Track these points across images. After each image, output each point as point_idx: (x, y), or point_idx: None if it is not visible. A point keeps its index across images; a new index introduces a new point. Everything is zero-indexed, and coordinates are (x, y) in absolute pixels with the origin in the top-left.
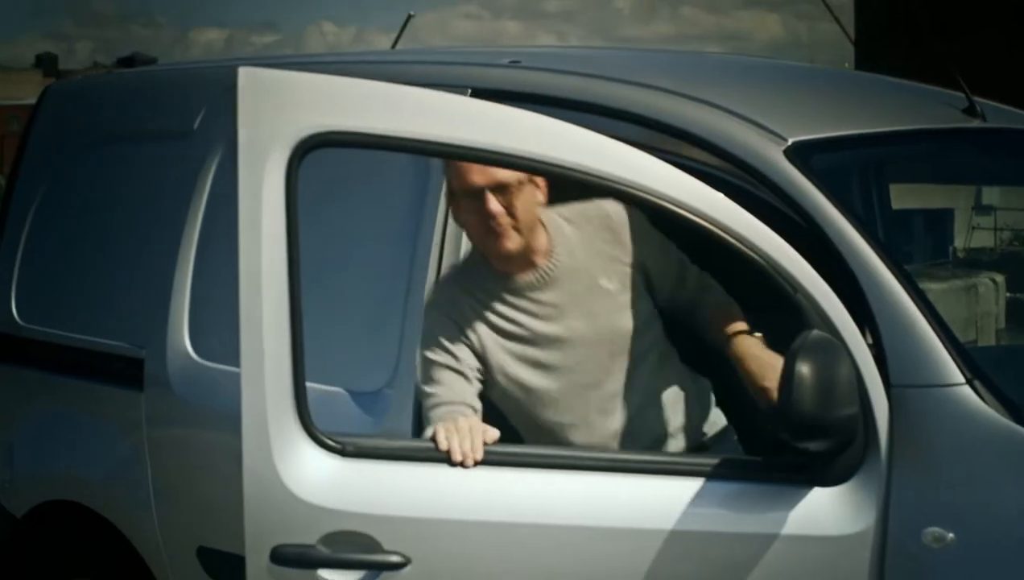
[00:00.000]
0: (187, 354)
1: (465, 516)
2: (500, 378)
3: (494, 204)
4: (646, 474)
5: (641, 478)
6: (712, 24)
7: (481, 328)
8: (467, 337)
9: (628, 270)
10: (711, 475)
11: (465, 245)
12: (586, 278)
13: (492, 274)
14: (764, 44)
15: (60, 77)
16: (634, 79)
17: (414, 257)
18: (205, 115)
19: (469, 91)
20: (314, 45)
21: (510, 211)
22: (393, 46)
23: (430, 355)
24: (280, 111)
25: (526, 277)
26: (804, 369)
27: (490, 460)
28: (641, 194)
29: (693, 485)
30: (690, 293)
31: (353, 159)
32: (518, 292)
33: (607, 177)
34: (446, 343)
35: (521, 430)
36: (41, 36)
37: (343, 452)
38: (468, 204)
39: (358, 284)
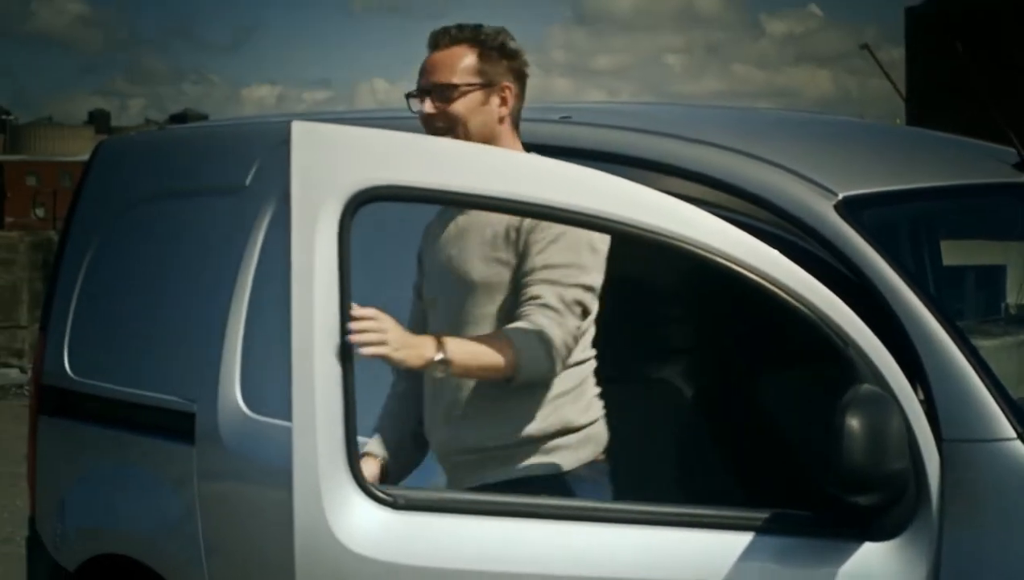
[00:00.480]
0: (238, 408)
1: (516, 569)
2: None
3: (429, 105)
4: (698, 528)
5: (693, 532)
6: (762, 80)
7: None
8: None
9: (492, 273)
10: (762, 529)
11: None
12: (467, 246)
13: None
14: (814, 100)
15: (112, 133)
16: (685, 134)
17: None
18: (257, 170)
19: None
20: (366, 101)
21: (445, 117)
22: None
23: None
24: (333, 165)
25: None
26: (854, 422)
27: (541, 513)
28: (699, 250)
29: (743, 539)
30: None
31: (398, 212)
32: (442, 218)
33: (660, 232)
34: None
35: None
36: (93, 93)
37: (394, 505)
38: (414, 104)
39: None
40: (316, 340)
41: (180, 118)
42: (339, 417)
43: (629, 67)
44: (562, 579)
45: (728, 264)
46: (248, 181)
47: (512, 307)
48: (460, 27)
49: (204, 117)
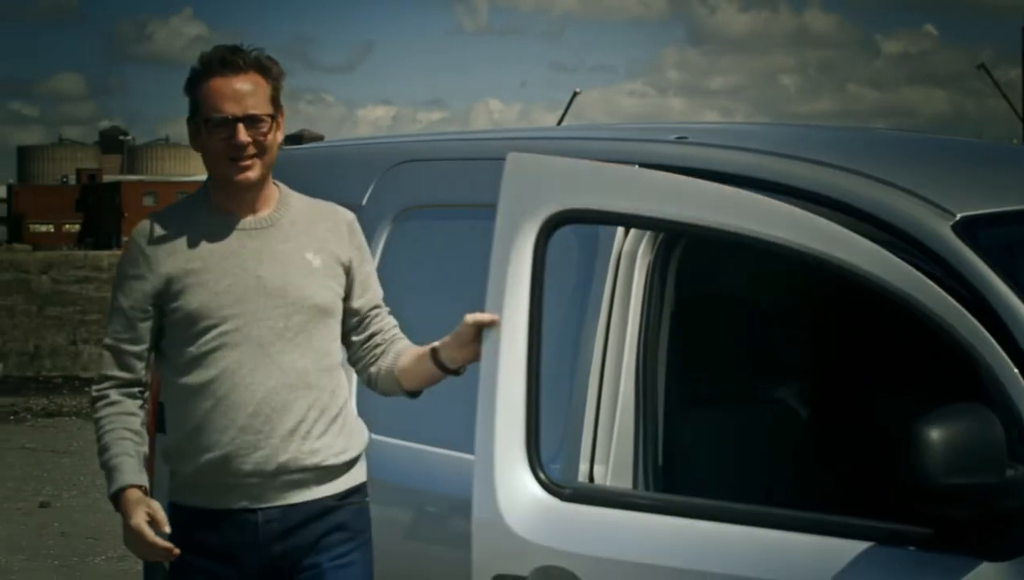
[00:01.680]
0: None
1: (660, 562)
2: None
3: (243, 134)
4: (821, 534)
5: (823, 539)
6: (877, 100)
7: (190, 259)
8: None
9: (338, 263)
10: (880, 538)
11: (635, 311)
12: (297, 242)
13: (212, 210)
14: (930, 120)
15: None
16: (800, 154)
17: (580, 332)
18: (374, 190)
19: (636, 167)
20: (480, 122)
21: (257, 144)
22: (559, 123)
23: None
24: (534, 191)
25: (244, 217)
26: (935, 434)
27: (690, 511)
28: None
29: (855, 547)
30: (363, 306)
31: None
32: (233, 228)
33: (829, 257)
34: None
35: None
36: None
37: (562, 495)
38: (216, 130)
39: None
40: (504, 347)
41: (296, 139)
42: (521, 414)
43: (743, 87)
44: (696, 574)
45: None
46: (364, 201)
47: None
48: (241, 50)
49: (320, 137)
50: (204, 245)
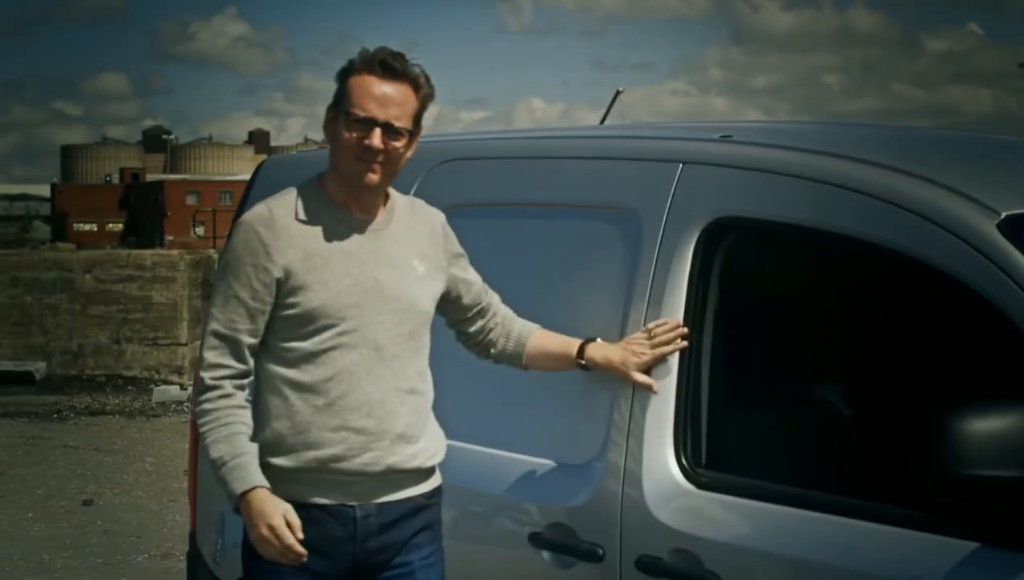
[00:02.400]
0: None
1: (783, 552)
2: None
3: (378, 139)
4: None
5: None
6: (921, 99)
7: (310, 253)
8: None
9: (438, 270)
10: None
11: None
12: (405, 246)
13: (328, 205)
14: (974, 118)
15: (272, 153)
16: (844, 153)
17: (622, 333)
18: (417, 189)
19: (680, 165)
20: (523, 121)
21: (388, 153)
22: (602, 121)
23: (233, 281)
24: (698, 198)
25: (359, 216)
26: (968, 426)
27: (820, 505)
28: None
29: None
30: (472, 298)
31: (567, 230)
32: (351, 227)
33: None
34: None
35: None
36: (253, 113)
37: (699, 483)
38: (353, 126)
39: None
40: None
41: None
42: (671, 408)
43: (786, 86)
44: (808, 564)
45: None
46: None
47: None
48: (404, 59)
49: None
50: (324, 241)
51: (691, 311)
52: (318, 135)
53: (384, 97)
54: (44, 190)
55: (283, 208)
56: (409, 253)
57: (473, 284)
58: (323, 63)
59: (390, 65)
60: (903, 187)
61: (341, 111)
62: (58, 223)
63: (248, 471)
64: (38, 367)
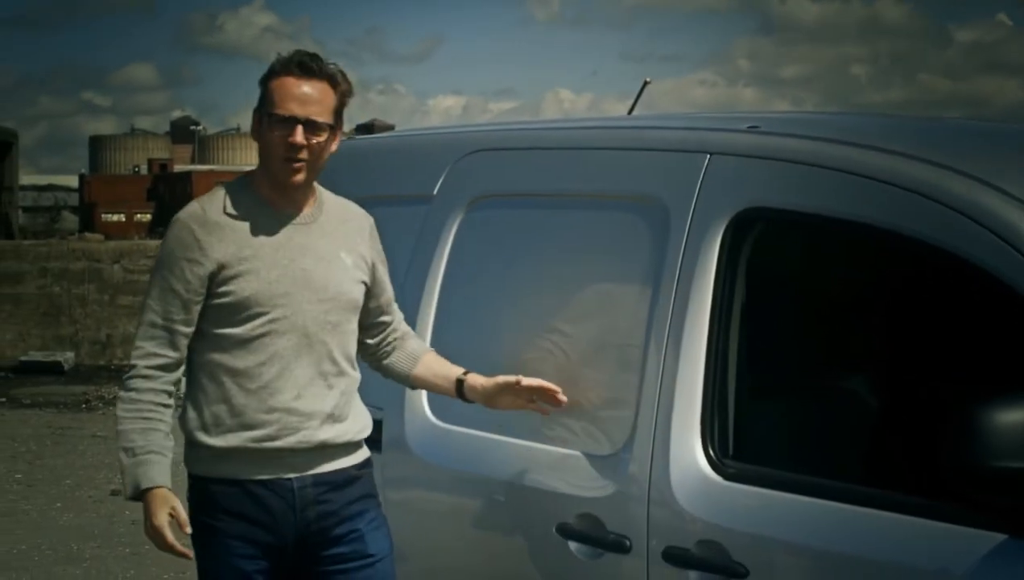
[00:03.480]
0: (426, 417)
1: (802, 541)
2: (240, 295)
3: (300, 136)
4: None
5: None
6: (948, 89)
7: (241, 246)
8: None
9: (365, 264)
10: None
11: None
12: (332, 239)
13: (258, 202)
14: (1002, 109)
15: None
16: (873, 143)
17: (650, 324)
18: (445, 180)
19: (708, 156)
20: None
21: (311, 149)
22: (630, 112)
23: (166, 274)
24: (725, 187)
25: (288, 211)
26: (998, 419)
27: (847, 497)
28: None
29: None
30: (381, 305)
31: (594, 221)
32: (280, 222)
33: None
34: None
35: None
36: None
37: (725, 474)
38: (277, 126)
39: (595, 350)
40: (686, 334)
41: (367, 128)
42: (698, 398)
43: (815, 77)
44: (836, 555)
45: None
46: (436, 190)
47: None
48: (320, 59)
49: (391, 127)
50: (254, 236)
51: (718, 302)
52: (346, 126)
53: (304, 96)
54: (72, 181)
55: (215, 205)
56: (337, 245)
57: (386, 290)
58: (351, 54)
59: (307, 65)
60: (931, 178)
61: (264, 113)
62: (86, 213)
63: (153, 468)
64: (66, 357)
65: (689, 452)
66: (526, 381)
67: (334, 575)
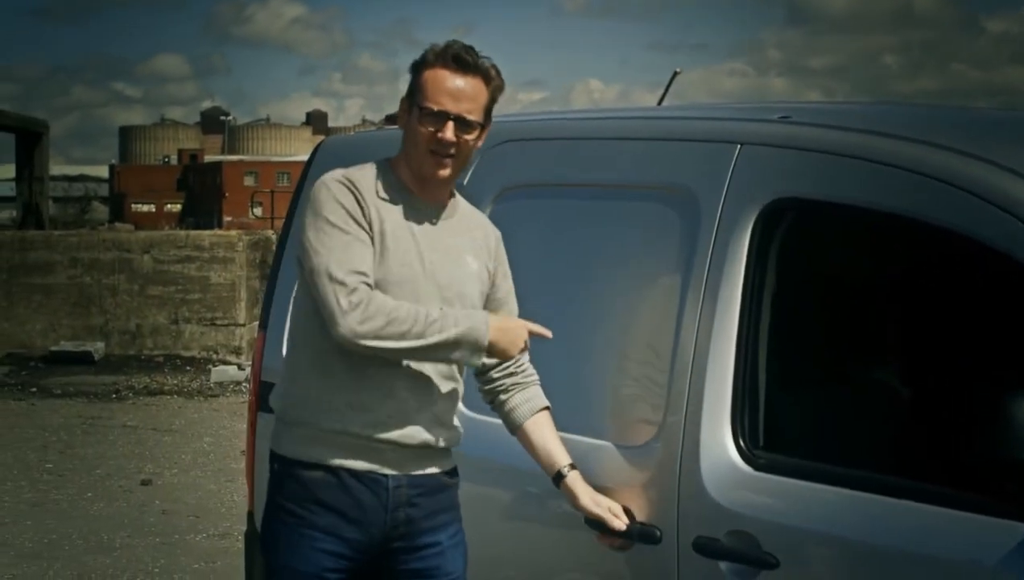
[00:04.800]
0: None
1: (833, 532)
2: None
3: (451, 132)
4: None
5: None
6: (979, 79)
7: (375, 216)
8: (367, 222)
9: (488, 274)
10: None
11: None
12: (461, 241)
13: (399, 187)
14: None
15: (330, 134)
16: (904, 134)
17: (680, 314)
18: (475, 170)
19: (739, 147)
20: (580, 102)
21: (460, 146)
22: (659, 102)
23: (337, 222)
24: (756, 178)
25: (426, 201)
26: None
27: (879, 487)
28: None
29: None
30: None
31: (624, 211)
32: (417, 210)
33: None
34: (352, 216)
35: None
36: (311, 94)
37: (756, 465)
38: (427, 120)
39: (626, 342)
40: (716, 325)
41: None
42: (728, 389)
43: (844, 67)
44: (869, 547)
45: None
46: (466, 180)
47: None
48: (475, 52)
49: None
50: (392, 217)
51: (748, 292)
52: (376, 115)
53: (457, 91)
54: (103, 171)
55: (358, 179)
56: (464, 248)
57: (505, 307)
58: (381, 44)
59: (463, 59)
60: (962, 168)
61: (415, 104)
62: (117, 204)
63: (465, 312)
64: (97, 347)
65: (719, 443)
66: (599, 498)
67: None
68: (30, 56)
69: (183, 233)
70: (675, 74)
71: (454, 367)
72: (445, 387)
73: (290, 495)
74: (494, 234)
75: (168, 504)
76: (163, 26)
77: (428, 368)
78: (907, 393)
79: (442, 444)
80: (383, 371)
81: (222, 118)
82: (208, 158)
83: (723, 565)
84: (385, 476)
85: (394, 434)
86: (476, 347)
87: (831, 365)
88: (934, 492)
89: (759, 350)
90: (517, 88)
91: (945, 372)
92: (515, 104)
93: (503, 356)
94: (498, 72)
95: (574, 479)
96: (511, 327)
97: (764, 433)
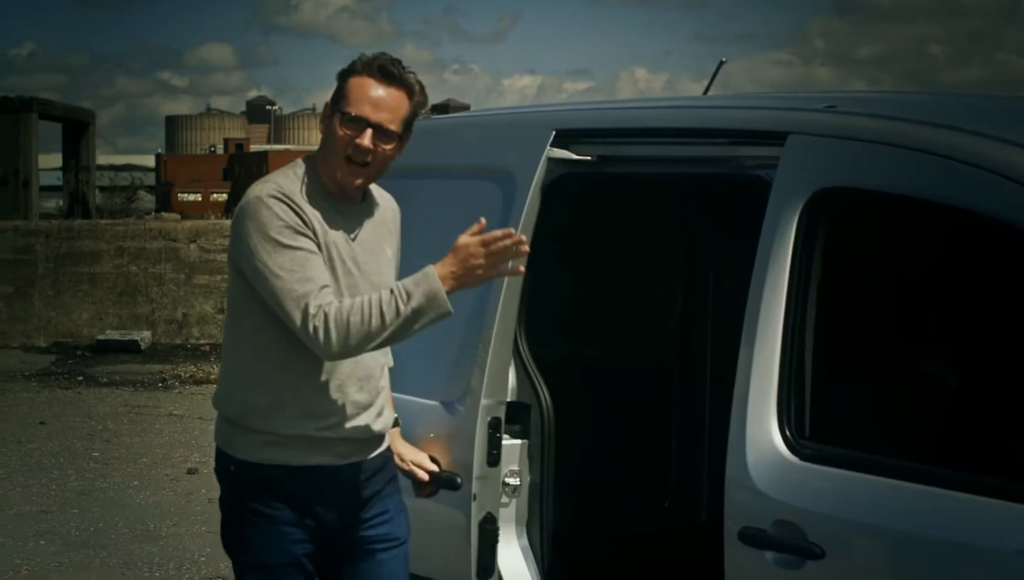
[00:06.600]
0: None
1: (879, 523)
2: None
3: (368, 140)
4: None
5: None
6: None
7: (316, 228)
8: (311, 233)
9: (396, 255)
10: None
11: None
12: (380, 233)
13: (324, 192)
14: None
15: None
16: (950, 123)
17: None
18: (515, 158)
19: (785, 136)
20: (626, 91)
21: (375, 154)
22: (705, 92)
23: (287, 241)
24: (806, 168)
25: (344, 201)
26: None
27: (925, 478)
28: None
29: None
30: None
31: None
32: (345, 215)
33: None
34: (298, 231)
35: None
36: None
37: (802, 455)
38: (347, 125)
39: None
40: (762, 314)
41: (442, 108)
42: (774, 378)
43: (892, 56)
44: (915, 537)
45: None
46: (507, 167)
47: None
48: (402, 65)
49: (466, 107)
50: (324, 223)
51: (794, 282)
52: None
53: (379, 100)
54: (149, 160)
55: (289, 189)
56: (382, 239)
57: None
58: (427, 34)
59: (388, 70)
60: (1010, 158)
61: (337, 109)
62: (163, 193)
63: (412, 279)
64: (143, 336)
65: (766, 433)
66: (408, 455)
67: (370, 555)
68: (77, 46)
69: (229, 222)
70: (721, 63)
71: (388, 355)
72: (382, 378)
73: (255, 496)
74: (397, 211)
75: (214, 493)
76: (210, 16)
77: (369, 366)
78: (954, 383)
79: (387, 429)
80: (336, 376)
81: (268, 108)
82: (254, 147)
83: (769, 555)
84: (339, 467)
85: (348, 432)
86: (440, 307)
87: (878, 355)
88: (981, 483)
89: (805, 340)
90: (563, 77)
91: (993, 362)
92: (561, 93)
93: (480, 280)
94: (422, 89)
95: (396, 432)
96: (459, 259)
97: (810, 423)
